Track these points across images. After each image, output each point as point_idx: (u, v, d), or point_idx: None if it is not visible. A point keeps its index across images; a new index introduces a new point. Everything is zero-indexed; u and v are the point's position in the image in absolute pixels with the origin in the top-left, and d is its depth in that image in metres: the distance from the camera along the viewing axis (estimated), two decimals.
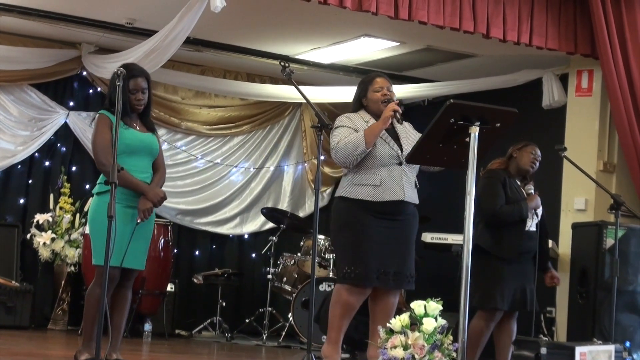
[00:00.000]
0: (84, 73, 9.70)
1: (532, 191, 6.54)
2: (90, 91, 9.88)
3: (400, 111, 5.70)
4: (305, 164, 10.91)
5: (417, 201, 5.82)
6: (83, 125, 9.58)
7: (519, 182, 6.58)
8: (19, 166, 9.59)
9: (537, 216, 6.53)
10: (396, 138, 5.78)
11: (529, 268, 6.49)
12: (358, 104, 5.92)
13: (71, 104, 9.80)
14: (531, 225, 6.49)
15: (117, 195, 5.35)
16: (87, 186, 9.52)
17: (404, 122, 5.96)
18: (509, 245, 6.38)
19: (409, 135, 5.83)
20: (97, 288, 5.48)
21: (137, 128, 5.61)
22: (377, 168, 5.67)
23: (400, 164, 5.70)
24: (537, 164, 6.61)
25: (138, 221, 5.46)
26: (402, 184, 5.67)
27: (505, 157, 6.64)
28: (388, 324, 4.74)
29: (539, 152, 6.62)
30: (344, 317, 5.72)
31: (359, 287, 5.66)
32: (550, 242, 8.30)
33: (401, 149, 5.72)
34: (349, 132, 5.68)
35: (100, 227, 5.39)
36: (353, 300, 5.70)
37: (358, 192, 5.68)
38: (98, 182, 5.61)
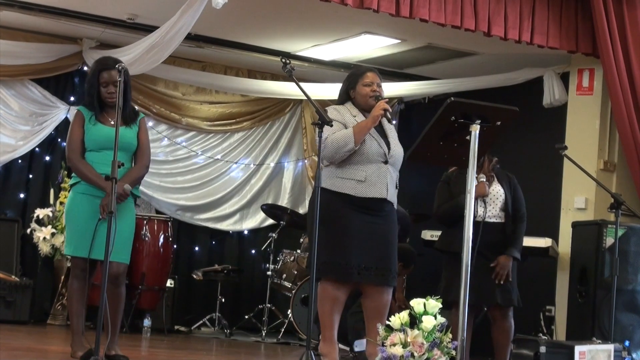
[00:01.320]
0: (85, 68, 9.69)
1: (483, 179, 6.45)
2: None
3: (390, 110, 5.68)
4: (306, 161, 10.90)
5: (396, 201, 5.79)
6: None
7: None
8: (20, 161, 9.59)
9: (484, 204, 6.41)
10: (384, 136, 5.75)
11: (493, 259, 6.39)
12: (345, 96, 5.86)
13: (72, 99, 9.81)
14: (485, 215, 6.40)
15: (85, 186, 5.58)
16: None
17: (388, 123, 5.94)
18: (459, 239, 6.31)
19: (395, 137, 5.81)
20: (73, 280, 5.65)
21: (112, 122, 5.59)
22: (363, 164, 5.64)
23: (385, 162, 5.68)
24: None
25: (100, 217, 5.47)
26: (386, 182, 5.65)
27: None
28: (387, 322, 4.75)
29: None
30: (333, 312, 5.66)
31: (341, 282, 5.62)
32: (550, 240, 8.34)
33: (389, 148, 5.71)
34: (337, 127, 5.62)
35: (72, 218, 5.62)
36: (339, 294, 5.65)
37: (342, 185, 5.64)
38: (72, 174, 5.74)
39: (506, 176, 6.63)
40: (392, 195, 5.71)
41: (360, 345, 6.83)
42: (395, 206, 5.81)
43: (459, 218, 6.09)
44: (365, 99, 5.75)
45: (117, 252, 5.50)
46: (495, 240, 6.37)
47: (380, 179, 5.64)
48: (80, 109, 5.69)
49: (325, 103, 9.85)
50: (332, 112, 5.76)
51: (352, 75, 5.91)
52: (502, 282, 6.41)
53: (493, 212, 6.45)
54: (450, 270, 6.34)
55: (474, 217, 6.21)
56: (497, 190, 6.48)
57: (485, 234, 6.29)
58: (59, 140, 9.76)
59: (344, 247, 5.58)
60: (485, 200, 6.40)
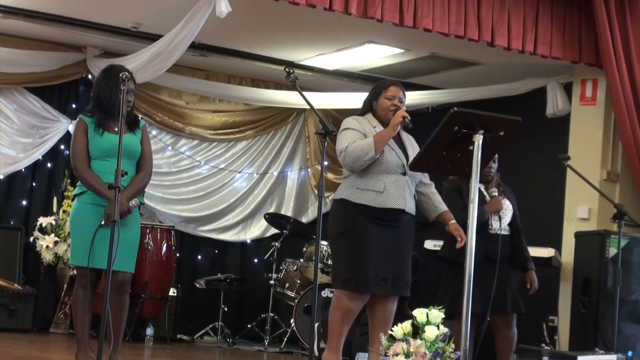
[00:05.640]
0: (89, 77, 9.71)
1: (496, 194, 6.48)
2: None
3: (409, 117, 5.72)
4: (309, 170, 10.91)
5: (414, 212, 5.83)
6: None
7: (482, 186, 6.52)
8: (23, 169, 9.59)
9: (499, 219, 6.44)
10: (402, 147, 5.80)
11: (505, 271, 6.42)
12: (368, 106, 5.94)
13: (74, 107, 9.80)
14: (498, 228, 6.43)
15: (91, 196, 5.53)
16: None
17: (407, 134, 5.97)
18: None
19: (414, 147, 5.86)
20: (79, 289, 5.61)
21: (116, 129, 5.56)
22: (381, 174, 5.68)
23: (404, 173, 5.71)
24: (493, 169, 6.54)
25: (102, 223, 5.45)
26: (404, 194, 5.69)
27: None
28: (390, 331, 4.75)
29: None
30: (344, 323, 5.72)
31: (359, 293, 5.66)
32: (553, 250, 8.34)
33: (407, 159, 5.74)
34: (358, 136, 5.69)
35: (78, 227, 5.56)
36: (353, 306, 5.70)
37: (361, 196, 5.68)
38: (77, 184, 5.68)
39: (508, 189, 6.65)
40: (410, 207, 5.75)
41: (362, 358, 6.83)
42: (414, 212, 5.83)
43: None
44: (385, 112, 5.82)
45: (123, 261, 5.51)
46: (504, 252, 6.39)
47: (398, 190, 5.67)
48: (82, 117, 5.66)
49: (328, 112, 9.90)
50: (352, 121, 5.82)
51: (376, 87, 5.99)
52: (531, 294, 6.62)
53: (504, 225, 6.47)
54: (459, 280, 6.29)
55: (494, 229, 6.32)
56: (507, 205, 6.53)
57: (494, 245, 6.35)
58: (62, 148, 9.77)
59: (364, 259, 5.63)
60: (500, 215, 6.43)
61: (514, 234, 6.55)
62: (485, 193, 6.48)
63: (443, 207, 5.95)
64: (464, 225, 6.27)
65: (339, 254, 5.79)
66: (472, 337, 6.41)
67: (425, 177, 5.93)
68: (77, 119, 5.69)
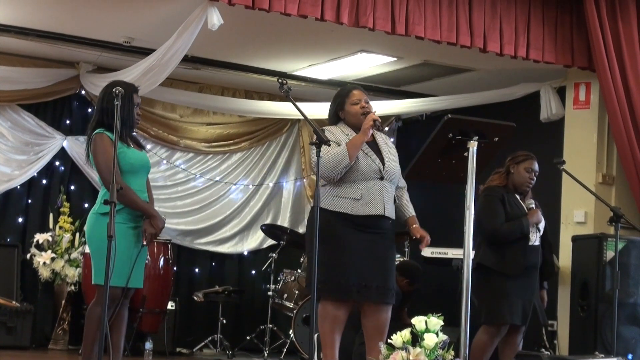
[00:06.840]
0: (83, 92, 9.70)
1: (533, 206, 6.49)
2: (89, 111, 9.85)
3: (380, 120, 5.68)
4: (304, 180, 10.90)
5: (394, 216, 5.77)
6: (80, 149, 9.47)
7: (518, 197, 6.54)
8: (18, 186, 9.57)
9: (539, 231, 6.48)
10: (378, 152, 5.74)
11: (535, 281, 6.47)
12: (335, 118, 5.88)
13: (68, 123, 9.81)
14: (535, 239, 6.45)
15: (124, 216, 5.43)
16: (87, 205, 9.51)
17: (385, 136, 5.95)
18: (513, 261, 6.34)
19: (391, 150, 5.81)
20: (97, 307, 5.46)
21: (132, 146, 5.60)
22: (358, 182, 5.63)
23: (381, 178, 5.67)
24: (534, 181, 6.57)
25: (144, 243, 5.46)
26: (382, 199, 5.63)
27: (504, 171, 6.57)
28: (389, 340, 4.74)
29: (536, 167, 6.55)
30: (334, 331, 5.65)
31: (338, 301, 5.62)
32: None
33: (383, 163, 5.69)
34: (332, 146, 5.63)
35: (105, 247, 5.38)
36: (340, 314, 5.64)
37: (338, 204, 5.63)
38: (101, 201, 5.57)
39: (538, 202, 6.66)
40: (390, 211, 5.69)
41: None
42: (394, 217, 5.79)
43: (515, 240, 6.22)
44: (356, 117, 5.75)
45: (138, 277, 5.57)
46: (538, 263, 6.44)
47: (376, 196, 5.63)
48: (105, 132, 5.46)
49: (322, 122, 9.83)
50: (326, 134, 5.77)
51: (338, 96, 5.91)
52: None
53: (538, 236, 6.49)
54: (495, 289, 6.31)
55: (531, 241, 6.34)
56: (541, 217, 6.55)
57: (533, 257, 6.38)
58: (57, 164, 9.76)
59: (343, 266, 5.57)
60: (539, 227, 6.45)
61: (544, 246, 6.57)
62: (522, 204, 6.49)
63: (410, 211, 5.88)
64: (512, 235, 6.32)
65: (320, 261, 5.54)
66: (490, 346, 6.42)
67: (400, 181, 5.87)
68: (100, 134, 5.46)
